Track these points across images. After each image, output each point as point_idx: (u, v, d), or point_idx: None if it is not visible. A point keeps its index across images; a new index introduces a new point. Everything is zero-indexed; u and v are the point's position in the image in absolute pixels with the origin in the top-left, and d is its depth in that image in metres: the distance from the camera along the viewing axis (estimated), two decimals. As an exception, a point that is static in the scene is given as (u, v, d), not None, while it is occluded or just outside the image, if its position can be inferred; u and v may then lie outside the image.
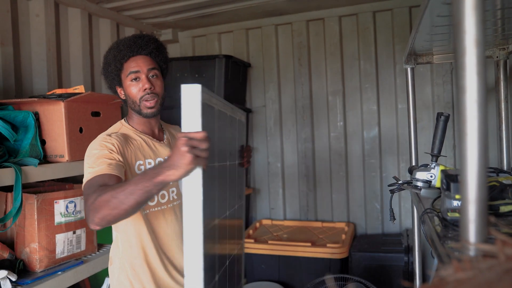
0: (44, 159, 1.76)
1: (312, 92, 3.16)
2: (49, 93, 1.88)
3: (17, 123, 1.68)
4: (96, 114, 1.95)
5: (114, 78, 1.45)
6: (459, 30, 0.54)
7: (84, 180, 1.24)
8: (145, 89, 1.40)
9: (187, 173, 0.94)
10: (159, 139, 1.52)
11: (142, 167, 1.39)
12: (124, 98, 1.48)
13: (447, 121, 1.33)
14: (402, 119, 2.93)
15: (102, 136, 1.37)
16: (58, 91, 1.90)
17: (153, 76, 1.43)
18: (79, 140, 1.82)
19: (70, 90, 1.89)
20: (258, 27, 3.27)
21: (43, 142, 1.76)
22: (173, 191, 1.50)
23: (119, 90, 1.48)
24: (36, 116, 1.74)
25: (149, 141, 1.46)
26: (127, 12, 2.90)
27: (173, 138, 1.58)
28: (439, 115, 1.34)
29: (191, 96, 0.93)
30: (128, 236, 1.40)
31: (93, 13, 2.69)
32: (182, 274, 1.45)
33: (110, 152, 1.28)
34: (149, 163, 1.41)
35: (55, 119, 1.75)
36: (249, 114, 3.28)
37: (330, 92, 3.11)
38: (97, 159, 1.26)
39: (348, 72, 3.06)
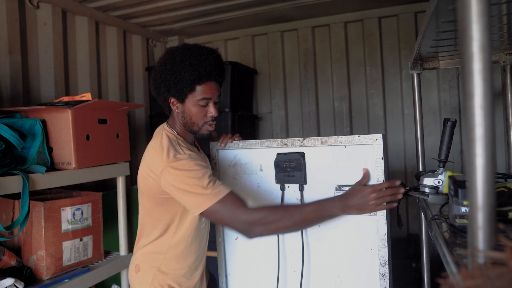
0: (51, 167, 1.76)
1: (318, 98, 3.16)
2: (56, 100, 1.89)
3: (24, 131, 1.69)
4: (103, 121, 1.96)
5: (178, 93, 1.40)
6: (465, 36, 0.54)
7: (210, 199, 1.28)
8: (211, 116, 1.43)
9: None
10: (198, 149, 1.58)
11: None
12: (175, 110, 1.45)
13: (454, 127, 1.32)
14: (408, 124, 2.91)
15: (182, 154, 1.35)
16: (65, 98, 1.91)
17: (217, 102, 1.45)
18: (86, 147, 1.83)
19: (77, 98, 1.90)
20: (264, 34, 3.28)
21: (50, 150, 1.77)
22: None
23: (172, 100, 1.43)
24: (44, 123, 1.75)
25: (198, 153, 1.50)
26: (134, 19, 2.93)
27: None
28: (446, 120, 1.33)
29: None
30: (182, 241, 1.46)
31: (100, 21, 2.72)
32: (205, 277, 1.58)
33: (209, 171, 1.35)
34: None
35: (62, 127, 1.76)
36: (255, 121, 3.28)
37: (336, 98, 3.11)
38: (208, 178, 1.31)
39: (354, 78, 3.06)
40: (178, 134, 1.47)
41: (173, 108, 1.45)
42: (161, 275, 1.44)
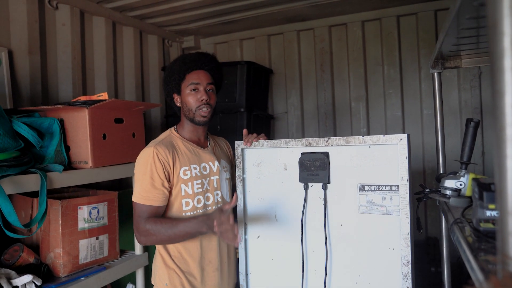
0: (69, 165, 1.78)
1: (335, 98, 3.12)
2: (74, 100, 1.91)
3: (43, 130, 1.71)
4: (119, 120, 1.97)
5: (175, 86, 1.63)
6: (495, 32, 0.51)
7: (136, 197, 1.54)
8: (202, 100, 1.58)
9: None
10: (204, 146, 1.70)
11: (188, 172, 1.57)
12: (179, 105, 1.65)
13: (477, 127, 1.28)
14: (427, 125, 2.85)
15: (150, 149, 1.54)
16: (83, 98, 1.92)
17: (209, 90, 1.62)
18: (103, 146, 1.84)
19: (94, 97, 1.91)
20: (280, 33, 3.26)
21: (67, 149, 1.79)
22: (217, 194, 1.67)
23: (176, 97, 1.65)
24: (61, 122, 1.77)
25: (194, 149, 1.64)
26: (150, 19, 2.94)
27: (217, 147, 1.77)
28: (469, 121, 1.29)
29: None
30: None
31: (117, 21, 2.74)
32: (220, 270, 1.66)
33: (152, 179, 1.51)
34: (195, 168, 1.60)
35: (80, 126, 1.77)
36: (271, 121, 3.26)
37: (353, 98, 3.07)
38: (146, 185, 1.51)
39: (372, 78, 3.01)
40: (178, 131, 1.65)
41: (177, 103, 1.65)
42: (160, 253, 1.63)
